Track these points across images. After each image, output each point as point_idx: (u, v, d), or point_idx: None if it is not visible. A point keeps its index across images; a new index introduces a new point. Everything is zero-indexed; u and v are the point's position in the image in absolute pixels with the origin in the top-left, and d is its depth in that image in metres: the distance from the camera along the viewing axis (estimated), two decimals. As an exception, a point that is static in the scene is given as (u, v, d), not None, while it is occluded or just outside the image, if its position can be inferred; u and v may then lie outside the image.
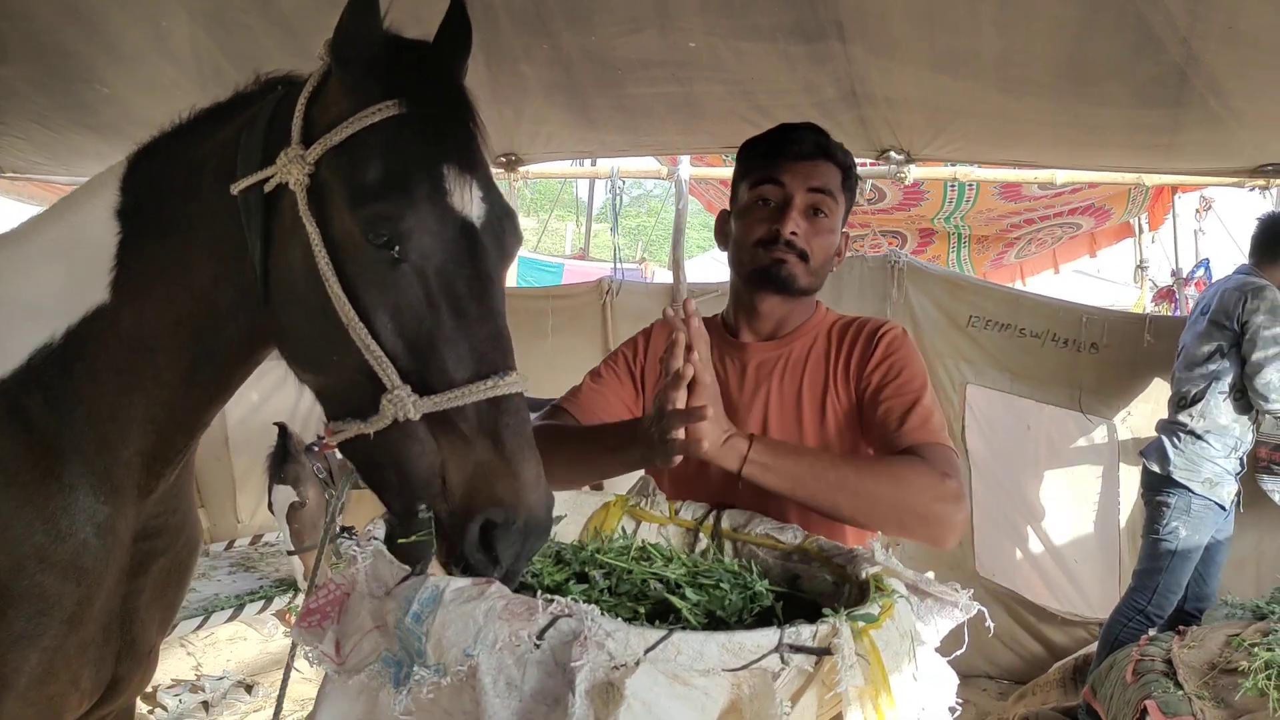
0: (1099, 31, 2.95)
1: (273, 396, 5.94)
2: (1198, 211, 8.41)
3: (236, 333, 1.60)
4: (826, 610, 1.23)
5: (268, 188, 1.46)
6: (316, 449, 4.76)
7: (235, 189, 1.49)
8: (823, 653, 1.17)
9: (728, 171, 5.64)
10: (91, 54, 4.09)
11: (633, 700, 1.07)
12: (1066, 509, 5.16)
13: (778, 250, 1.95)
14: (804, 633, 1.17)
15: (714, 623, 1.35)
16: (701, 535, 1.74)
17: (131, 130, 4.71)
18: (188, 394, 1.66)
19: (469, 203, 1.41)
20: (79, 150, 4.94)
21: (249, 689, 4.89)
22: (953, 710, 1.31)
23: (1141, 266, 9.09)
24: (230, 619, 4.52)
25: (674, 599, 1.37)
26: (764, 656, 1.14)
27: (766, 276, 1.98)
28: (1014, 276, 10.24)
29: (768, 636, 1.15)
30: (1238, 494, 4.31)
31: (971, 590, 1.47)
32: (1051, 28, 3.01)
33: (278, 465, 4.74)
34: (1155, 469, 4.36)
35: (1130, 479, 4.84)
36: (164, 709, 4.60)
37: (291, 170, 1.42)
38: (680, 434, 1.58)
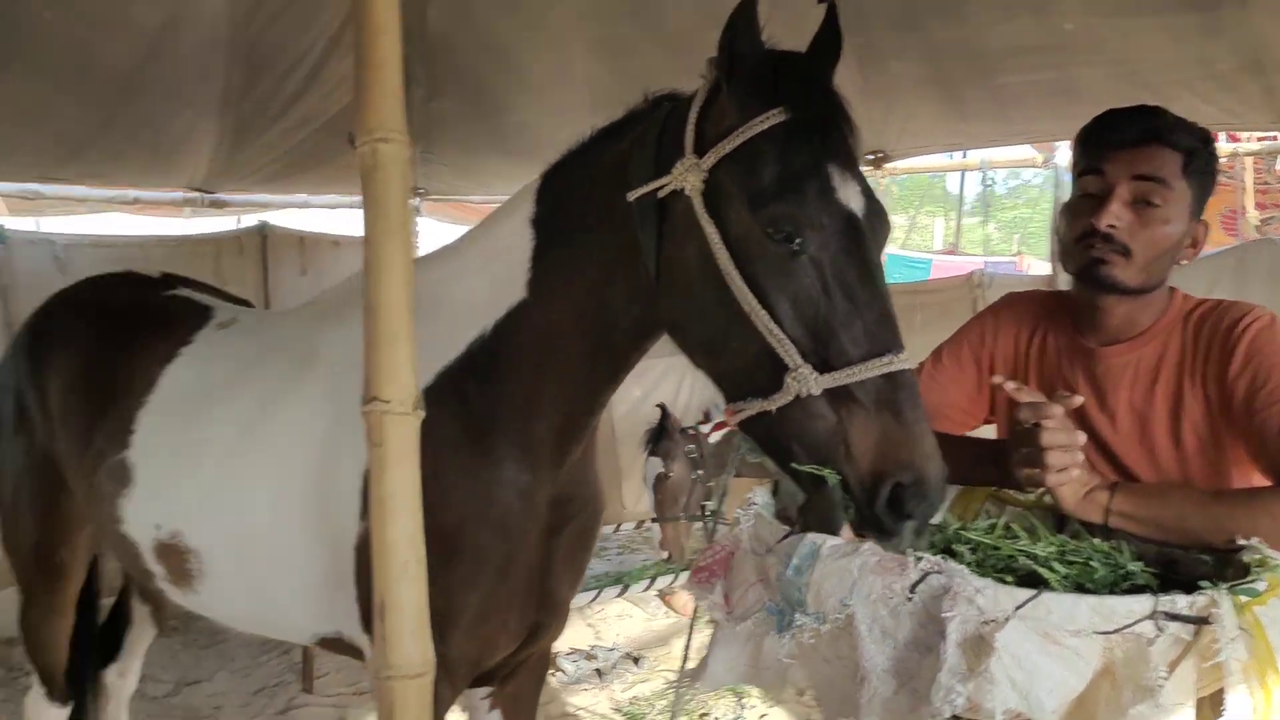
0: None
1: (653, 393, 6.36)
2: None
3: (629, 324, 1.80)
4: (1204, 583, 1.22)
5: (661, 194, 1.64)
6: (691, 432, 5.06)
7: (631, 196, 1.68)
8: (1200, 622, 1.16)
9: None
10: (505, 85, 4.60)
11: (1003, 653, 1.14)
12: None
13: (1096, 247, 1.79)
14: (1180, 602, 1.17)
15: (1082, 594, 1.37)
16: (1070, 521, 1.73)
17: (537, 151, 5.21)
18: (589, 377, 1.88)
19: (852, 197, 1.54)
20: (493, 172, 5.55)
21: (636, 661, 5.27)
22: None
23: None
24: (619, 595, 4.90)
25: (1041, 570, 1.40)
26: (1137, 622, 1.16)
27: (1088, 276, 1.83)
28: None
29: (1141, 603, 1.17)
30: None
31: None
32: None
33: (654, 440, 5.10)
34: None
35: None
36: (564, 672, 5.09)
37: (688, 178, 1.58)
38: (1036, 488, 1.64)
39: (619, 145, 1.79)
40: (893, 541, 1.37)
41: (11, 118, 3.89)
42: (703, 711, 4.56)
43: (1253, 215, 8.13)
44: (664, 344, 1.82)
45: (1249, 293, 4.48)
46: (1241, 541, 1.42)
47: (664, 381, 6.16)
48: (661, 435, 5.01)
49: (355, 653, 2.10)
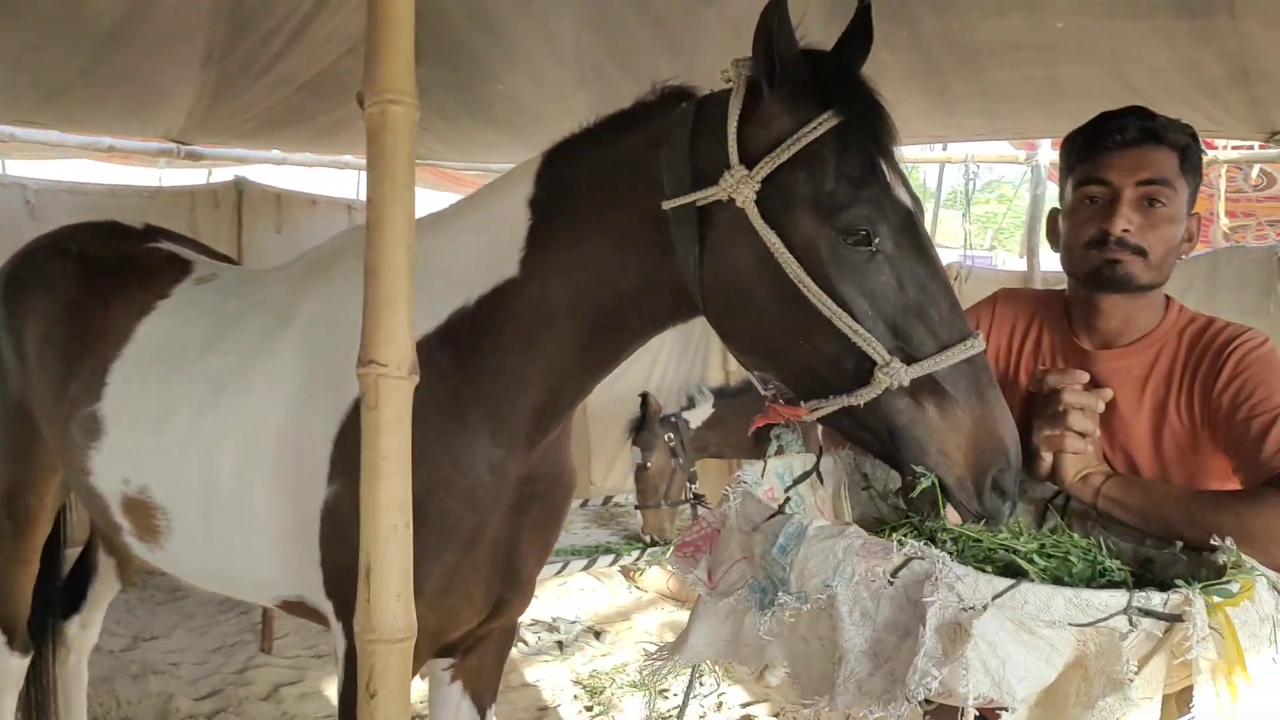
0: None
1: (623, 374, 6.41)
2: None
3: (640, 316, 1.81)
4: (1179, 581, 1.25)
5: (703, 202, 1.63)
6: (672, 420, 5.12)
7: (669, 205, 1.66)
8: (1173, 619, 1.19)
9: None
10: (491, 54, 4.56)
11: (979, 640, 1.16)
12: None
13: (1110, 250, 1.84)
14: (1154, 598, 1.20)
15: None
16: (1051, 514, 1.77)
17: (520, 122, 5.23)
18: (581, 360, 1.88)
19: (903, 190, 1.58)
20: (474, 140, 5.51)
21: (598, 635, 5.32)
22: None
23: None
24: (585, 568, 4.95)
25: (1021, 562, 1.43)
26: (1111, 616, 1.19)
27: (1101, 278, 1.87)
28: None
29: (1116, 598, 1.19)
30: None
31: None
32: None
33: (635, 430, 5.16)
34: None
35: None
36: (525, 643, 5.12)
37: (741, 189, 1.58)
38: (1047, 459, 1.73)
39: (633, 138, 1.78)
40: (995, 523, 1.50)
41: (-7, 61, 3.83)
42: (662, 687, 4.60)
43: (1224, 222, 8.24)
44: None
45: (1220, 296, 4.57)
46: (1216, 542, 1.45)
47: (635, 362, 6.20)
48: (642, 425, 5.07)
49: (316, 616, 2.10)
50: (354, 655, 1.91)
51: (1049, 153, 4.94)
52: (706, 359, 6.48)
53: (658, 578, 6.02)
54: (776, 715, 4.41)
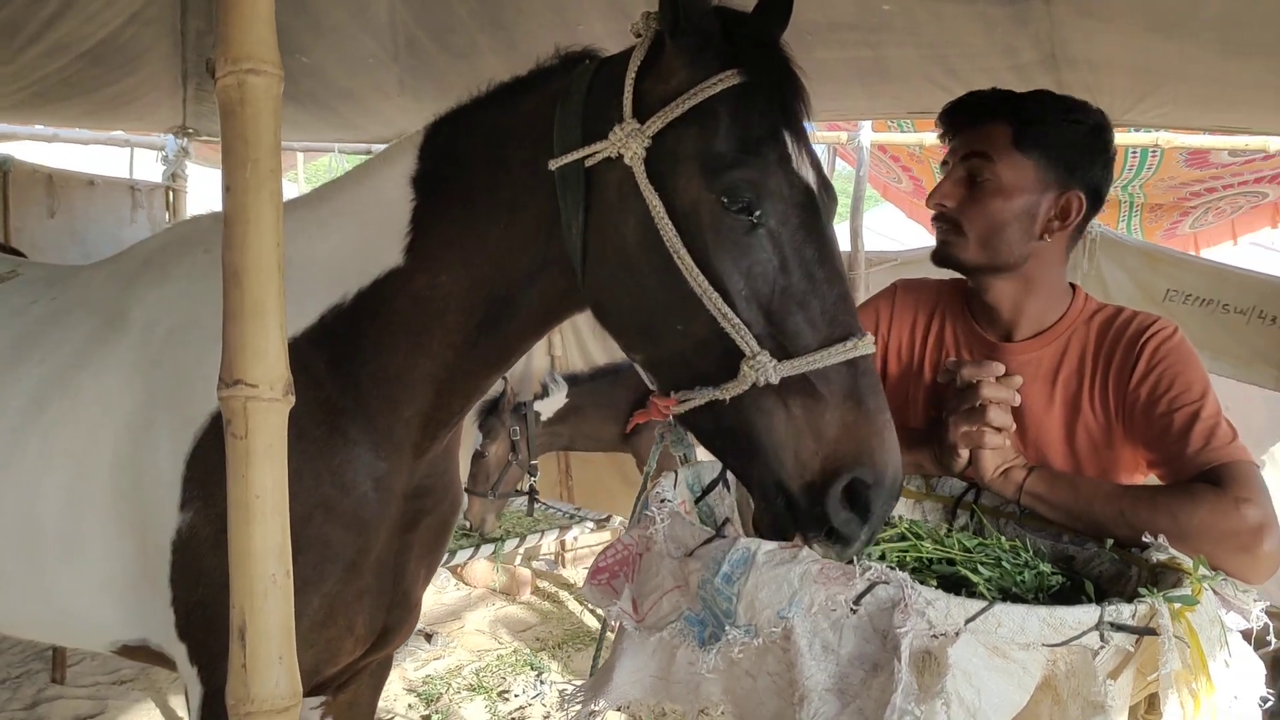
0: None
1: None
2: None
3: (530, 301, 1.63)
4: (1143, 590, 1.19)
5: (591, 162, 1.47)
6: (523, 411, 4.91)
7: (555, 164, 1.50)
8: (1146, 632, 1.14)
9: (909, 138, 5.53)
10: (296, 26, 4.23)
11: (955, 670, 1.07)
12: (1272, 494, 4.88)
13: (937, 227, 1.83)
14: (1124, 611, 1.14)
15: (1011, 600, 1.33)
16: (960, 512, 1.71)
17: (326, 98, 4.89)
18: (470, 358, 1.69)
19: (808, 168, 1.43)
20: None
21: (429, 638, 5.07)
22: (1264, 700, 1.26)
23: (1329, 240, 8.55)
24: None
25: (969, 573, 1.36)
26: (1085, 633, 1.12)
27: (936, 256, 1.85)
28: (1187, 247, 9.71)
29: (1088, 614, 1.13)
30: None
31: (1267, 603, 1.40)
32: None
33: (483, 413, 4.95)
34: None
35: (1338, 465, 4.58)
36: (350, 653, 4.84)
37: (629, 144, 1.42)
38: (964, 455, 1.66)
39: (529, 102, 1.61)
40: (844, 548, 1.28)
41: None
42: (501, 689, 4.44)
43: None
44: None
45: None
46: (1147, 539, 1.41)
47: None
48: (493, 410, 4.86)
49: (163, 661, 1.83)
50: (215, 709, 1.67)
51: (870, 134, 5.01)
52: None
53: (485, 572, 5.82)
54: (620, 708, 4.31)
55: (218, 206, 1.93)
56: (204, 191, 5.99)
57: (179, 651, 1.72)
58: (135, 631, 1.81)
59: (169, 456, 1.65)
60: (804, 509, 1.31)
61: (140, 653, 1.87)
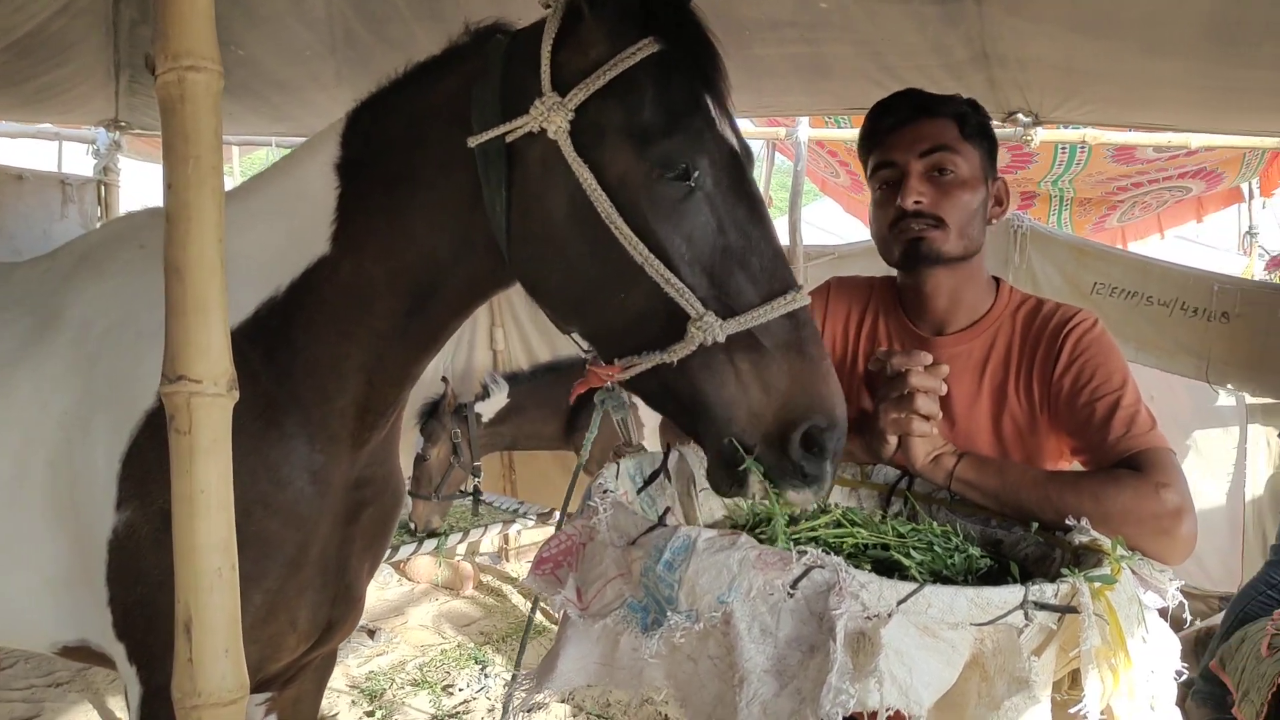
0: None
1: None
2: (1318, 178, 8.09)
3: (456, 283, 1.65)
4: (1065, 570, 1.24)
5: (512, 137, 1.48)
6: (464, 413, 4.91)
7: (475, 142, 1.51)
8: (1068, 611, 1.19)
9: (846, 134, 5.60)
10: (230, 15, 4.17)
11: (888, 650, 1.11)
12: (1192, 481, 5.04)
13: (911, 226, 1.85)
14: (1047, 591, 1.19)
15: (941, 582, 1.37)
16: (895, 499, 1.76)
17: (261, 89, 4.83)
18: (399, 345, 1.70)
19: (729, 129, 1.47)
20: (212, 109, 5.05)
21: (371, 634, 5.05)
22: (1179, 674, 1.32)
23: (1250, 233, 8.82)
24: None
25: (901, 557, 1.40)
26: (1010, 612, 1.17)
27: (910, 256, 1.87)
28: (1115, 241, 9.95)
29: (1013, 593, 1.17)
30: None
31: (1181, 582, 1.47)
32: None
33: (424, 416, 4.95)
34: None
35: (1257, 452, 4.74)
36: (292, 651, 4.80)
37: (551, 118, 1.44)
38: (892, 441, 1.69)
39: (446, 82, 1.62)
40: (818, 488, 1.37)
41: None
42: (445, 684, 4.43)
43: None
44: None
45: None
46: (1070, 522, 1.47)
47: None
48: (433, 413, 4.86)
49: (103, 661, 1.81)
50: (155, 708, 1.66)
51: (808, 129, 5.07)
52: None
53: (427, 567, 5.81)
54: (564, 700, 4.35)
55: (152, 201, 1.92)
56: (138, 186, 5.88)
57: (118, 651, 1.71)
58: (74, 632, 1.80)
59: (105, 455, 1.64)
60: (772, 462, 1.37)
61: (80, 653, 1.85)
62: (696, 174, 1.40)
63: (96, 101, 4.83)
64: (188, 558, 1.14)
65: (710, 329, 1.36)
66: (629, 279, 1.41)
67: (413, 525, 4.92)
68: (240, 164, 9.73)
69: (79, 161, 5.94)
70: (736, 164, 1.46)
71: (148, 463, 1.61)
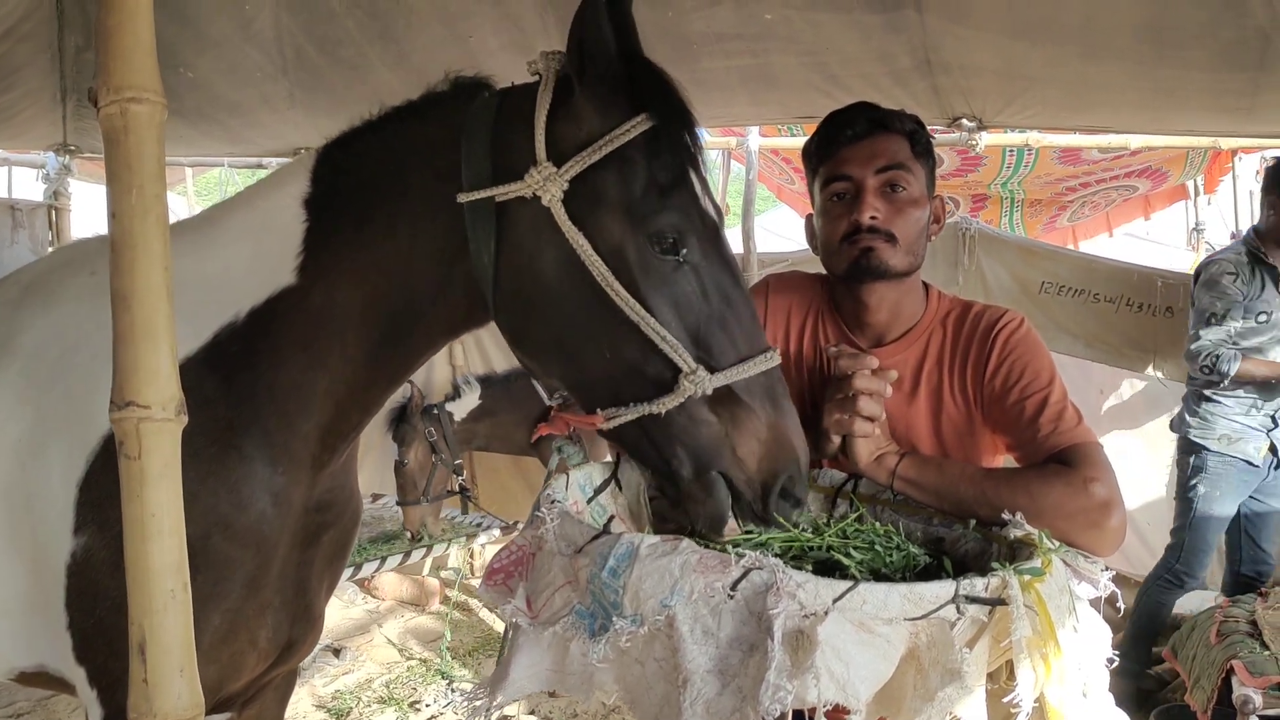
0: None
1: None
2: (1258, 173, 8.26)
3: (432, 322, 1.70)
4: (996, 564, 1.29)
5: (503, 198, 1.55)
6: (435, 413, 4.90)
7: (465, 199, 1.57)
8: (997, 603, 1.23)
9: (798, 141, 5.68)
10: (179, 39, 4.16)
11: (825, 646, 1.15)
12: (1140, 473, 5.17)
13: (862, 240, 1.87)
14: (978, 585, 1.24)
15: (880, 579, 1.42)
16: (840, 501, 1.81)
17: (213, 112, 4.82)
18: (369, 373, 1.73)
19: (709, 200, 1.56)
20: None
21: (336, 653, 5.04)
22: (1110, 662, 1.37)
23: (1197, 229, 8.99)
24: (351, 577, 4.72)
25: (841, 557, 1.45)
26: (942, 606, 1.21)
27: (859, 269, 1.88)
28: (1066, 240, 10.12)
29: (945, 588, 1.22)
30: (1274, 450, 4.32)
31: (1113, 572, 1.53)
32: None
33: (393, 423, 4.95)
34: (1177, 431, 4.51)
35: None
36: (257, 672, 4.78)
37: (548, 186, 1.51)
38: (835, 441, 1.77)
39: (429, 131, 1.66)
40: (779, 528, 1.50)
41: None
42: (413, 700, 4.44)
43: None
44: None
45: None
46: (1006, 517, 1.53)
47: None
48: (402, 418, 4.84)
49: (62, 686, 1.82)
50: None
51: (758, 139, 5.13)
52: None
53: (394, 584, 5.80)
54: (531, 712, 4.36)
55: (104, 226, 1.93)
56: (89, 209, 5.83)
57: (78, 675, 1.71)
58: (32, 657, 1.81)
59: (61, 480, 1.65)
60: (754, 510, 1.51)
61: (39, 679, 1.86)
62: (685, 250, 1.51)
63: (43, 125, 4.81)
64: (141, 581, 1.17)
65: (701, 382, 1.47)
66: (621, 336, 1.50)
67: (408, 534, 4.92)
68: (194, 184, 9.68)
69: (29, 187, 5.89)
70: (717, 234, 1.57)
71: (105, 487, 1.62)
